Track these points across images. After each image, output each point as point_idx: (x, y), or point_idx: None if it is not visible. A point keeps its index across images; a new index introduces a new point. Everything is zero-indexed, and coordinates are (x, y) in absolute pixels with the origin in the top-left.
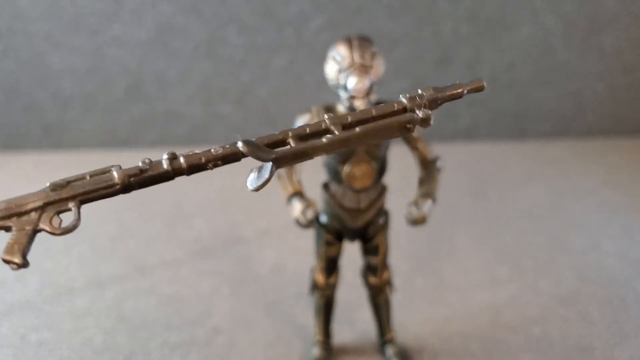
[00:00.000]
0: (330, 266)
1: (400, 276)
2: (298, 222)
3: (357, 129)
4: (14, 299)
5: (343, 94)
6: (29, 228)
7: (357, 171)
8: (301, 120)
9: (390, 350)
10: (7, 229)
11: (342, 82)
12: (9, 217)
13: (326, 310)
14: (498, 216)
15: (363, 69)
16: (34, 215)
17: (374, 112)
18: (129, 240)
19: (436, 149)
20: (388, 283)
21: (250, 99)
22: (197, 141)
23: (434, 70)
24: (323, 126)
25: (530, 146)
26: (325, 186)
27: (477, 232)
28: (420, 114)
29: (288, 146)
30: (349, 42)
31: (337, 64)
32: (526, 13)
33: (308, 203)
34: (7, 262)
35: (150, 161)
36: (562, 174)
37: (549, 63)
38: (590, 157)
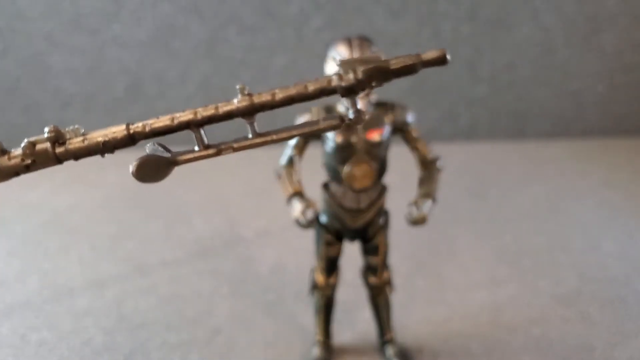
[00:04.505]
0: (330, 266)
1: (400, 276)
2: (298, 223)
3: (274, 136)
4: (14, 299)
5: None
6: None
7: (357, 171)
8: (301, 121)
9: (390, 350)
10: None
11: None
12: None
13: (326, 310)
14: (498, 216)
15: None
16: None
17: (294, 92)
18: (129, 240)
19: (436, 149)
20: (388, 283)
21: None
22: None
23: (434, 70)
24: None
25: (530, 146)
26: (325, 186)
27: (477, 232)
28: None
29: (193, 152)
30: (348, 42)
31: (337, 64)
32: (526, 13)
33: (308, 203)
34: None
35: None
36: (562, 174)
37: (549, 63)
38: (590, 157)
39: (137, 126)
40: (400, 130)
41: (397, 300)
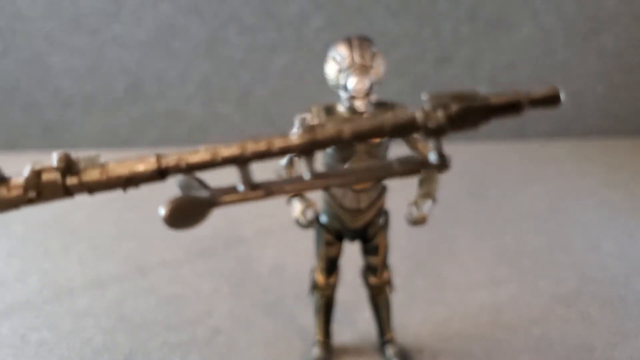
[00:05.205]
0: (330, 266)
1: (400, 276)
2: (298, 223)
3: (337, 180)
4: (14, 299)
5: (343, 94)
6: None
7: None
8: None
9: (390, 350)
10: None
11: (342, 82)
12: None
13: (326, 310)
14: (498, 216)
15: (363, 69)
16: None
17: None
18: (129, 240)
19: None
20: (388, 283)
21: (250, 99)
22: (197, 141)
23: (434, 70)
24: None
25: (530, 146)
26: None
27: (477, 232)
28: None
29: (237, 192)
30: (349, 42)
31: (337, 64)
32: (526, 13)
33: (308, 203)
34: None
35: None
36: (562, 174)
37: (549, 63)
38: (590, 157)
39: (170, 160)
40: None
41: (397, 300)
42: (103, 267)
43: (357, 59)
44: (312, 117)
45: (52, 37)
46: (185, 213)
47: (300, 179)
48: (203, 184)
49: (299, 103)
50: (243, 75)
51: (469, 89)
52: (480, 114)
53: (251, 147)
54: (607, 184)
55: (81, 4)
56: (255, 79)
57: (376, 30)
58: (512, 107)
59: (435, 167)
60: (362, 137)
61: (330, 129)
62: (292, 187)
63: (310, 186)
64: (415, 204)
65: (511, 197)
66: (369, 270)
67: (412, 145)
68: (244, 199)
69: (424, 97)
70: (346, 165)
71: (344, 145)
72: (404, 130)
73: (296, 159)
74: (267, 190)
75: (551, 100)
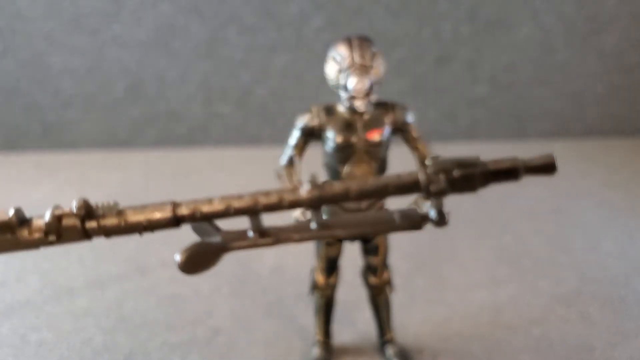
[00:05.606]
0: (330, 266)
1: (401, 276)
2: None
3: (342, 231)
4: (14, 299)
5: (343, 94)
6: None
7: (357, 171)
8: (301, 121)
9: (390, 350)
10: None
11: (342, 82)
12: None
13: (326, 310)
14: (498, 216)
15: (363, 69)
16: None
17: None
18: (129, 241)
19: (436, 149)
20: (388, 283)
21: (250, 99)
22: (197, 141)
23: (434, 70)
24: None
25: (530, 146)
26: None
27: (477, 232)
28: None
29: (247, 238)
30: (349, 42)
31: (337, 64)
32: (526, 13)
33: None
34: None
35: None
36: (562, 174)
37: (549, 63)
38: (590, 157)
39: (185, 209)
40: (400, 130)
41: (397, 300)
42: (103, 267)
43: (357, 59)
44: (312, 117)
45: (52, 37)
46: (199, 259)
47: (307, 228)
48: (215, 228)
49: (299, 103)
50: (243, 75)
51: (472, 155)
52: (479, 180)
53: (262, 200)
54: (607, 184)
55: (81, 4)
56: (255, 79)
57: (376, 30)
58: (509, 174)
59: (435, 224)
60: (367, 195)
61: (337, 187)
62: (300, 236)
63: (317, 235)
64: (415, 203)
65: (511, 197)
66: (369, 270)
67: (412, 145)
68: (253, 245)
69: (428, 162)
70: (346, 166)
71: (344, 145)
72: (407, 191)
73: (296, 158)
74: (275, 237)
75: (547, 168)
